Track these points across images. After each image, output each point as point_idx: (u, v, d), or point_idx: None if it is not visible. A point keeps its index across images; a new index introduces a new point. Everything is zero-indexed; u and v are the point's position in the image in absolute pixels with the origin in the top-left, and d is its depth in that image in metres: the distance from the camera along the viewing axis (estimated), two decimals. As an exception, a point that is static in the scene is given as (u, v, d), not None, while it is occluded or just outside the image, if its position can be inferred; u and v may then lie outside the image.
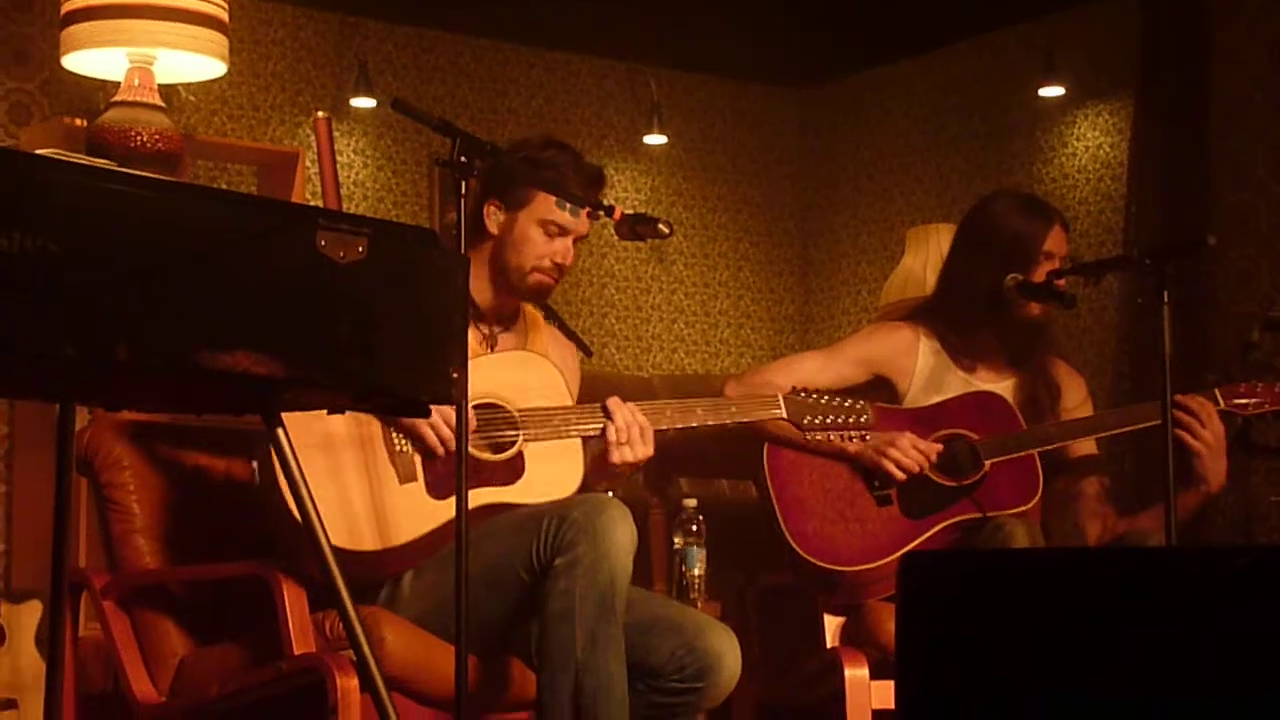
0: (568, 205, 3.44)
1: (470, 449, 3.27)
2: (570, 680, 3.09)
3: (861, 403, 3.59)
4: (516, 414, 3.34)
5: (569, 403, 3.43)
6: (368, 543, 3.17)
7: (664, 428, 3.41)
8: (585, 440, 3.40)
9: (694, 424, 3.47)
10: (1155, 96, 6.39)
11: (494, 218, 3.50)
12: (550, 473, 3.35)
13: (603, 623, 3.11)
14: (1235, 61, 6.24)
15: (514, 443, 3.33)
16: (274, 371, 2.19)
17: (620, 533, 3.13)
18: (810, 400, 3.57)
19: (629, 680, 3.16)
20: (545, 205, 3.46)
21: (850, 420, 3.57)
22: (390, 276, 2.32)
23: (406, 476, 3.25)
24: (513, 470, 3.33)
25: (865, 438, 3.65)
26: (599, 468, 3.39)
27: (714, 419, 3.51)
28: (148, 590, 3.38)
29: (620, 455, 3.34)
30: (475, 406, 3.28)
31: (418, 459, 3.27)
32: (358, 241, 2.28)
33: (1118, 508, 4.07)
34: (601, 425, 3.34)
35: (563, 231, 3.47)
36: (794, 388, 3.58)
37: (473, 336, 3.46)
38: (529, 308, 3.63)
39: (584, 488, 3.38)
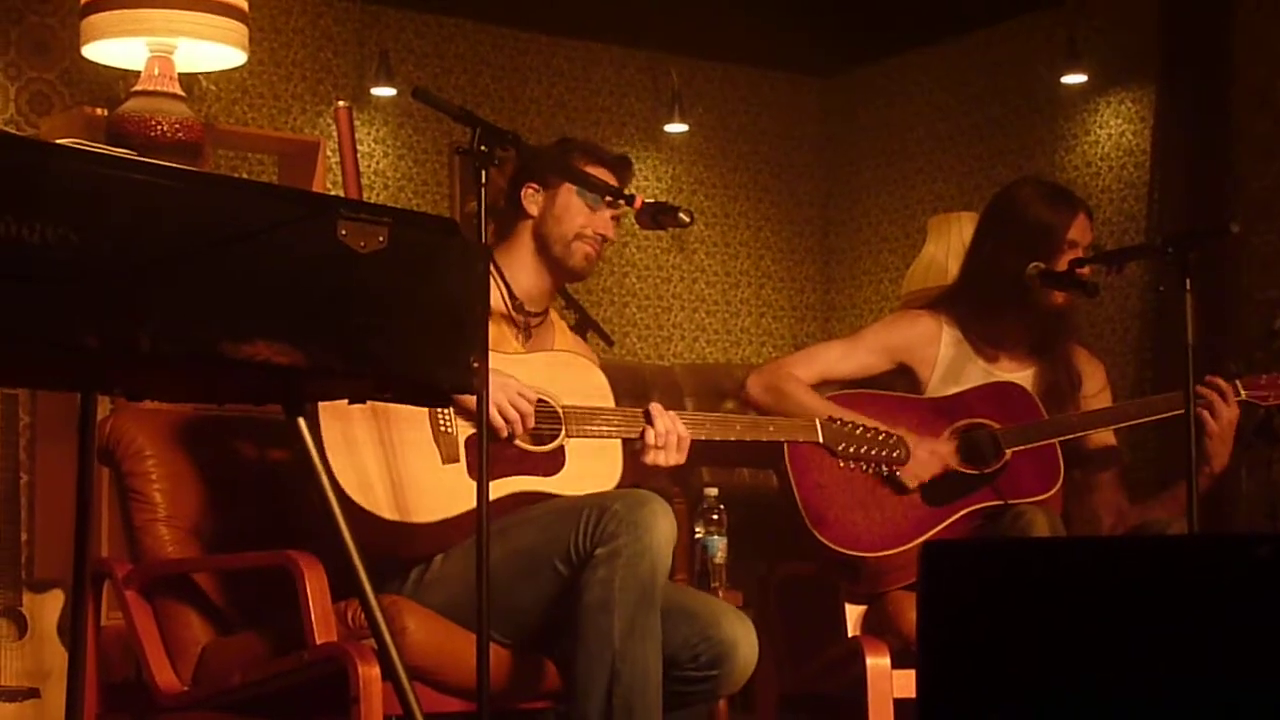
0: (602, 171, 3.45)
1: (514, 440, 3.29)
2: (606, 669, 3.08)
3: (896, 437, 3.62)
4: (560, 409, 3.34)
5: (612, 404, 3.44)
6: (410, 514, 3.18)
7: (701, 438, 3.44)
8: (624, 440, 3.42)
9: (731, 438, 3.50)
10: (1178, 83, 6.37)
11: (532, 199, 3.51)
12: (590, 468, 3.35)
13: (642, 613, 3.10)
14: (1257, 46, 6.22)
15: (556, 436, 3.33)
16: (295, 361, 2.19)
17: (662, 526, 3.13)
18: (847, 429, 3.59)
19: None
20: (584, 173, 3.47)
21: (884, 454, 3.61)
22: (411, 266, 2.32)
23: (449, 457, 3.24)
24: (553, 463, 3.34)
25: (896, 472, 3.71)
26: (631, 465, 3.41)
27: (751, 435, 3.54)
28: (170, 580, 3.39)
29: (654, 459, 3.37)
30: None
31: (461, 440, 3.26)
32: (378, 231, 2.28)
33: (1131, 497, 4.06)
34: (641, 429, 3.37)
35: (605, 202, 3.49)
36: (830, 416, 3.59)
37: (509, 329, 3.48)
38: (554, 313, 3.64)
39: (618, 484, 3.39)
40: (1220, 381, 3.81)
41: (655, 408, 3.39)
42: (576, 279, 3.61)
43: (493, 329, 3.40)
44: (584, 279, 3.62)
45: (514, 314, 3.49)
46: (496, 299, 3.46)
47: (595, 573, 3.11)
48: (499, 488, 3.23)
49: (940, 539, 3.69)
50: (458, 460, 3.24)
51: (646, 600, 3.11)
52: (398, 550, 3.23)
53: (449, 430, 3.26)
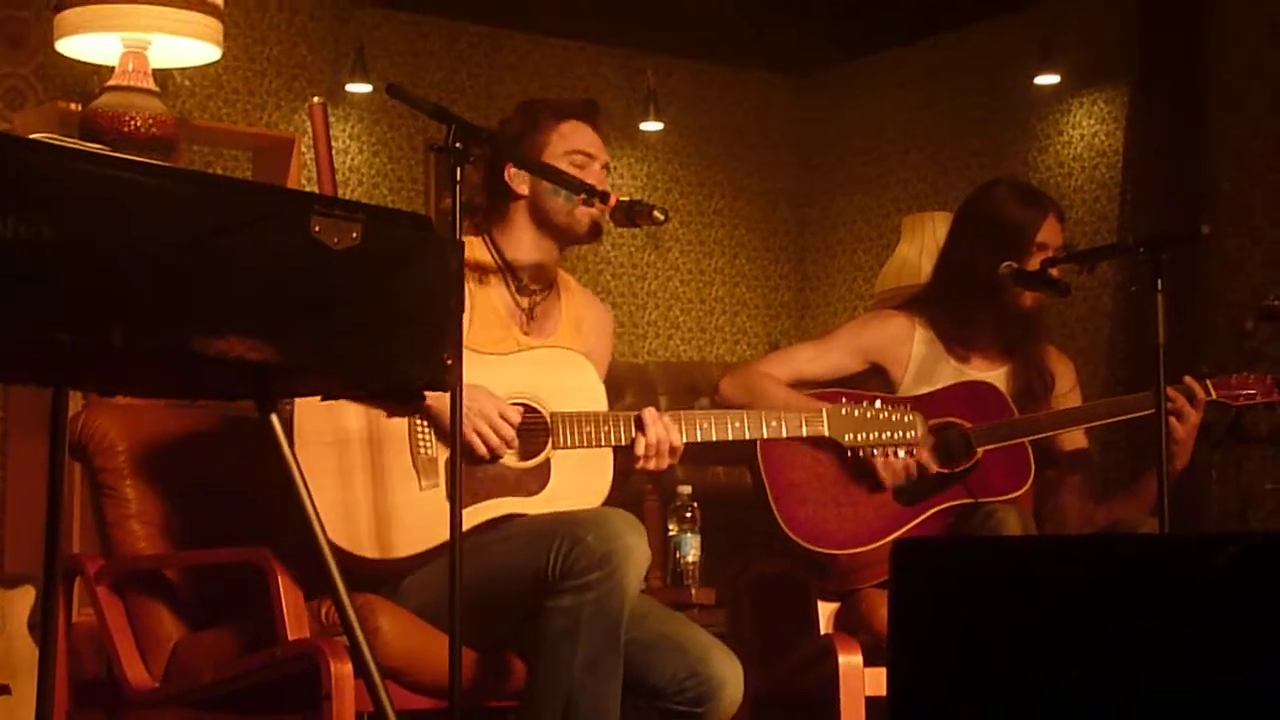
0: (573, 124, 3.41)
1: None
2: (562, 698, 3.05)
3: (911, 415, 3.53)
4: (548, 417, 3.30)
5: (604, 407, 3.36)
6: (391, 550, 3.15)
7: (697, 440, 3.37)
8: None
9: (730, 437, 3.41)
10: (1151, 84, 6.39)
11: (518, 177, 3.43)
12: (577, 482, 3.30)
13: (606, 651, 3.07)
14: (1232, 48, 6.25)
15: (542, 449, 3.29)
16: (268, 357, 2.19)
17: (635, 561, 3.09)
18: (855, 415, 3.51)
19: (629, 696, 3.13)
20: (562, 138, 3.43)
21: (897, 436, 3.52)
22: (384, 263, 2.32)
23: (429, 481, 3.22)
24: (538, 479, 3.29)
25: (912, 453, 3.59)
26: (620, 461, 3.36)
27: (753, 433, 3.45)
28: (142, 576, 3.38)
29: (643, 466, 3.31)
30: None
31: (441, 462, 3.21)
32: (352, 227, 2.27)
33: (1100, 496, 4.08)
34: (632, 438, 3.29)
35: (589, 158, 3.44)
36: (840, 396, 3.53)
37: (513, 312, 3.43)
38: (563, 276, 3.58)
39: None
40: (1192, 383, 3.82)
41: (649, 413, 3.31)
42: (587, 243, 3.53)
43: (494, 318, 3.39)
44: (595, 241, 3.54)
45: (516, 298, 3.45)
46: (497, 292, 3.43)
47: (562, 599, 3.07)
48: (480, 512, 3.20)
49: (911, 537, 3.70)
50: (437, 484, 3.20)
51: (612, 638, 3.07)
52: (377, 576, 3.21)
53: (429, 453, 3.23)
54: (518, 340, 3.41)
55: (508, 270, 3.43)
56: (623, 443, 3.31)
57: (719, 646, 3.27)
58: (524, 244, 3.45)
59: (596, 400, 3.37)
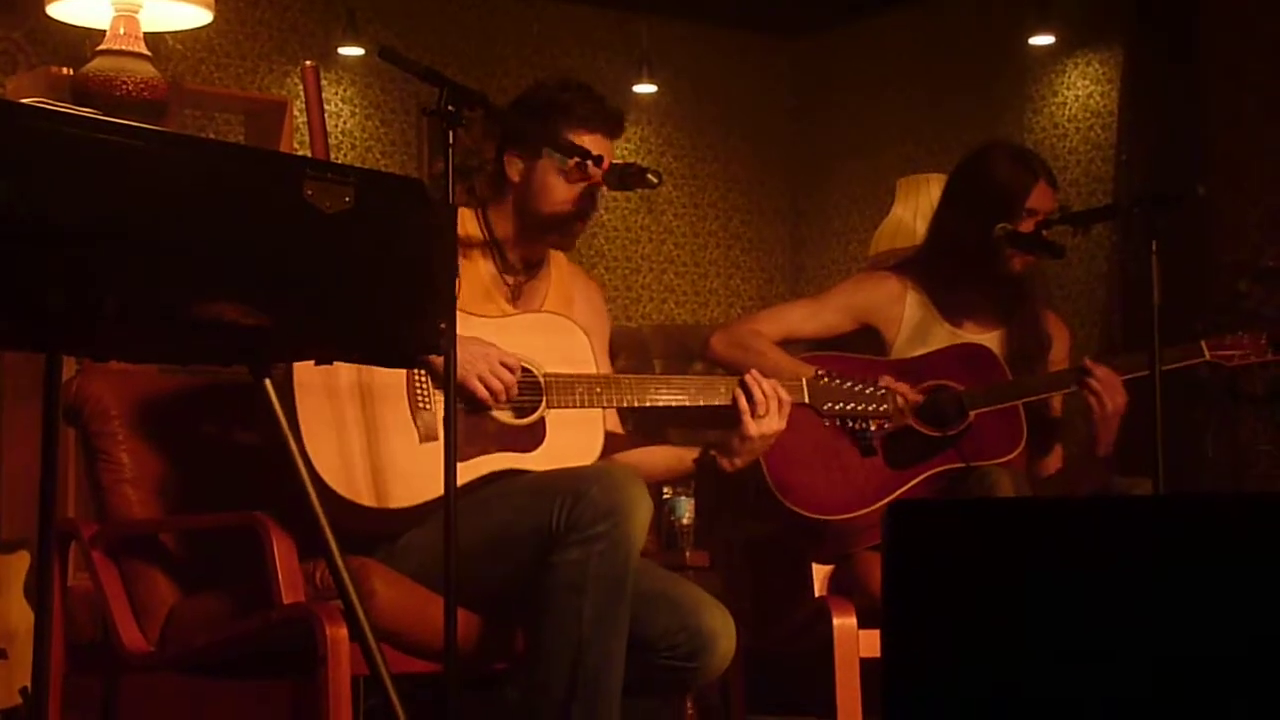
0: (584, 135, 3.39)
1: (491, 411, 3.26)
2: (571, 652, 3.05)
3: (884, 390, 3.53)
4: (541, 378, 3.30)
5: (594, 370, 3.38)
6: (389, 500, 3.15)
7: (672, 404, 3.39)
8: (605, 410, 3.38)
9: (716, 402, 3.42)
10: (1146, 45, 6.37)
11: (514, 166, 3.43)
12: (571, 440, 3.30)
13: (613, 603, 3.07)
14: (1226, 8, 6.23)
15: (536, 407, 3.30)
16: (260, 322, 2.19)
17: (640, 513, 3.09)
18: (834, 386, 3.51)
19: None
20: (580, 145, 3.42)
21: (869, 409, 3.51)
22: (377, 227, 2.31)
23: (427, 435, 3.20)
24: (533, 436, 3.29)
25: (885, 426, 3.60)
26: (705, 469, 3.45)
27: (731, 400, 3.45)
28: (136, 540, 3.38)
29: (760, 428, 3.38)
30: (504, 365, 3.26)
31: (440, 416, 3.19)
32: (344, 191, 2.27)
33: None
34: (628, 407, 3.35)
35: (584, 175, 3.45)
36: (817, 371, 3.54)
37: (500, 286, 3.45)
38: (554, 254, 3.58)
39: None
40: (1097, 370, 3.81)
41: (751, 375, 3.39)
42: (562, 250, 3.57)
43: (480, 290, 3.39)
44: (571, 244, 3.57)
45: (504, 275, 3.45)
46: (485, 266, 3.44)
47: (568, 553, 3.07)
48: (476, 467, 3.20)
49: (906, 499, 3.70)
50: (436, 438, 3.19)
51: (618, 590, 3.07)
52: (374, 530, 3.21)
53: (427, 407, 3.23)
54: (504, 311, 3.42)
55: (496, 248, 3.44)
56: (612, 405, 3.35)
57: (710, 601, 3.28)
58: (511, 228, 3.46)
59: (587, 364, 3.38)
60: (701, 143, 7.83)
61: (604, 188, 3.45)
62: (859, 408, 3.51)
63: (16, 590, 4.69)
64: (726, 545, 4.21)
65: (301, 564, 3.15)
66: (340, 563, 2.44)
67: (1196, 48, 6.26)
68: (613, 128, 3.47)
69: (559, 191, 3.41)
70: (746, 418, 3.36)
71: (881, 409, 3.52)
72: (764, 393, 3.37)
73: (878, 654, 3.18)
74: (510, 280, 3.46)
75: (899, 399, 3.59)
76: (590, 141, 3.38)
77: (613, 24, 7.54)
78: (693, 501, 4.65)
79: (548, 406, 3.30)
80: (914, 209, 6.29)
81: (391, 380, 3.21)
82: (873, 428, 3.56)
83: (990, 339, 3.99)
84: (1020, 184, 3.91)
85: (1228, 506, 1.74)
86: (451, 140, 2.96)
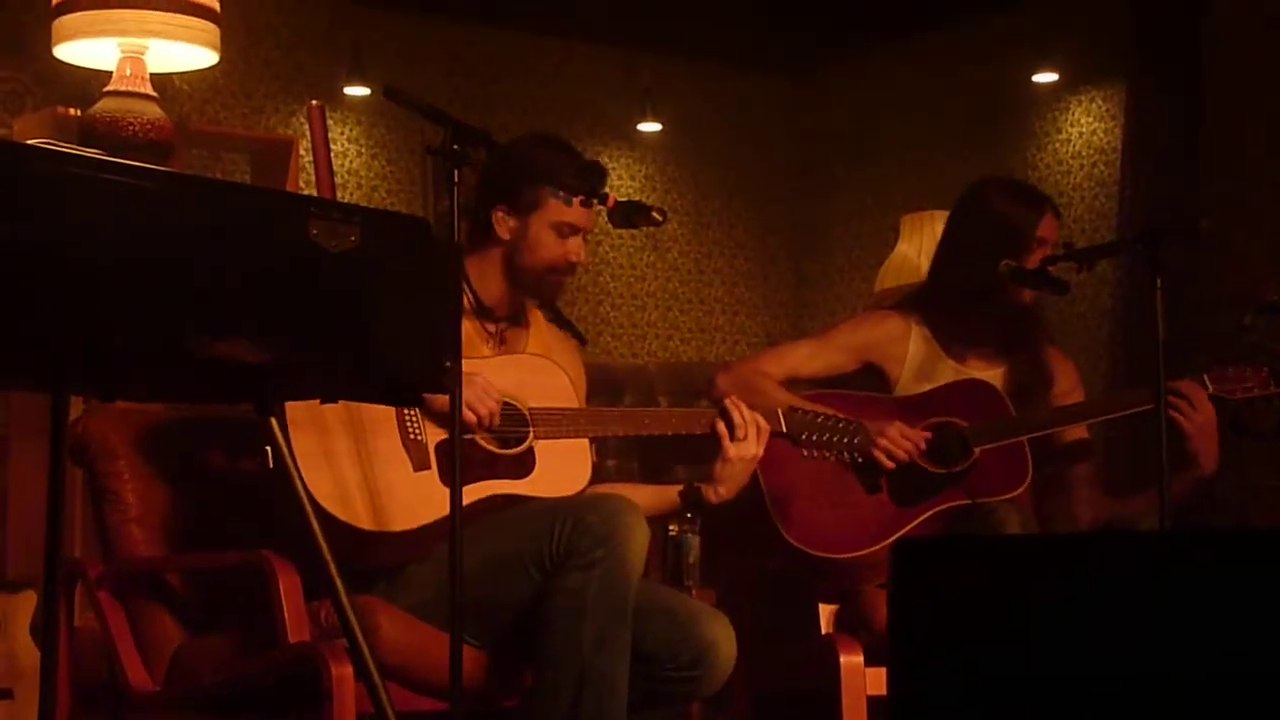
0: (575, 200, 3.41)
1: (481, 441, 3.28)
2: (572, 677, 3.07)
3: (856, 424, 3.64)
4: (526, 412, 3.34)
5: (577, 406, 3.45)
6: (388, 524, 3.17)
7: (668, 433, 3.49)
8: (592, 441, 3.42)
9: (697, 431, 3.51)
10: (1148, 80, 6.39)
11: (504, 223, 3.47)
12: (560, 469, 3.35)
13: (613, 626, 3.10)
14: (1229, 43, 6.25)
15: (524, 439, 3.33)
16: (266, 360, 2.20)
17: (637, 538, 3.14)
18: (809, 418, 3.60)
19: None
20: (556, 208, 3.45)
21: (844, 440, 3.62)
22: (382, 265, 2.32)
23: (420, 464, 3.24)
24: (523, 465, 3.34)
25: (859, 458, 3.70)
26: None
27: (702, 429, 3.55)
28: (142, 580, 3.38)
29: (739, 451, 3.47)
30: None
31: (431, 446, 3.26)
32: (349, 230, 2.28)
33: (1109, 491, 4.07)
34: (603, 435, 3.44)
35: (574, 230, 3.47)
36: (791, 406, 3.60)
37: (481, 334, 3.47)
38: (533, 309, 3.64)
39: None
40: (1181, 386, 3.79)
41: (729, 399, 3.48)
42: (548, 300, 3.62)
43: (464, 331, 3.41)
44: (553, 302, 3.63)
45: (483, 323, 3.49)
46: (465, 306, 3.47)
47: (568, 579, 3.11)
48: (472, 492, 3.22)
49: (911, 536, 3.70)
50: (429, 467, 3.25)
51: (619, 614, 3.10)
52: (376, 559, 3.23)
53: (418, 437, 3.26)
54: (485, 354, 3.46)
55: (474, 296, 3.47)
56: (598, 435, 3.43)
57: (710, 611, 3.33)
58: (495, 281, 3.49)
59: (570, 401, 3.45)
60: (705, 180, 7.84)
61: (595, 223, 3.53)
62: (833, 439, 3.61)
63: (23, 630, 4.69)
64: (733, 583, 4.20)
65: (307, 603, 3.15)
66: (346, 600, 2.44)
67: (1199, 82, 6.27)
68: (596, 190, 3.48)
69: (552, 248, 3.46)
70: (725, 441, 3.45)
71: (855, 440, 3.63)
72: (743, 417, 3.46)
73: (884, 692, 3.18)
74: (491, 328, 3.50)
75: (872, 431, 3.68)
76: (574, 205, 3.43)
77: (616, 62, 7.57)
78: (699, 539, 4.63)
79: (535, 437, 3.34)
80: (919, 246, 6.29)
81: (381, 413, 3.24)
82: (849, 458, 3.68)
83: (994, 375, 3.99)
84: (1029, 217, 3.92)
85: (1234, 542, 1.74)
86: (456, 179, 2.97)
